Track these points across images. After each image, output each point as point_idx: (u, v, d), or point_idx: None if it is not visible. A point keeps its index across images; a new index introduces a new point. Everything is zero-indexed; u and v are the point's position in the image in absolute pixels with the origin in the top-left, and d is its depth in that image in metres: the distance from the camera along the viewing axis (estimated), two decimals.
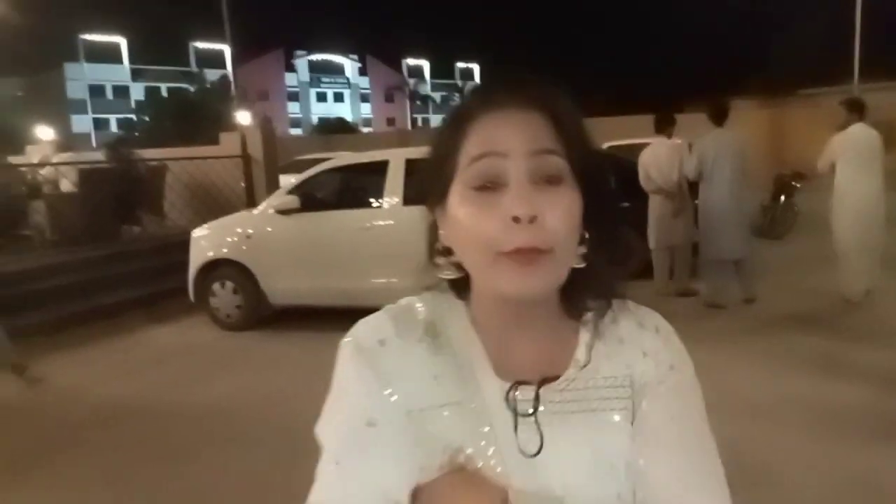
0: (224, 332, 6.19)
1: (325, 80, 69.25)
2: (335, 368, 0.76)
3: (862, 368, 4.34)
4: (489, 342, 0.75)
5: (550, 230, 0.67)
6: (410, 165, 5.78)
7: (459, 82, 67.29)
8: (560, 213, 0.68)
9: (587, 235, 0.73)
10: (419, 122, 67.54)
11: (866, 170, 5.69)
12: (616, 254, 0.77)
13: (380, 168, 5.88)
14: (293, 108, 66.39)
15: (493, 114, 0.71)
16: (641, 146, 10.60)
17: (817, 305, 5.94)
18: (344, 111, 63.39)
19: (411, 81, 66.04)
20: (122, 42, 58.85)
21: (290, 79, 67.03)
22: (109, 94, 57.79)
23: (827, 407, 3.78)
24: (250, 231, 6.16)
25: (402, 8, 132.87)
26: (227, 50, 24.45)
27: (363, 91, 71.32)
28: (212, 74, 33.00)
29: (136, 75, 58.18)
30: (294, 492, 3.09)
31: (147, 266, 7.49)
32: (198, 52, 57.61)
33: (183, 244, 6.54)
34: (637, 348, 0.77)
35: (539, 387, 0.72)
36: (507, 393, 0.72)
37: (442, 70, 74.18)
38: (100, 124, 55.67)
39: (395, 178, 5.76)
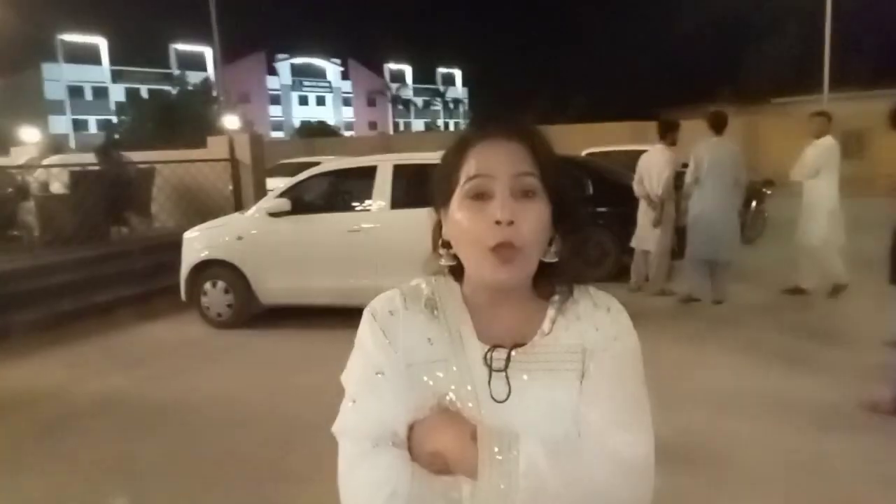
0: (215, 329, 6.38)
1: (307, 83, 69.15)
2: (358, 331, 1.01)
3: (819, 365, 4.66)
4: (475, 315, 0.99)
5: (523, 232, 0.91)
6: (398, 171, 6.02)
7: (441, 87, 67.63)
8: (532, 219, 0.92)
9: (556, 237, 0.97)
10: (401, 127, 67.76)
11: (836, 177, 6.27)
12: (581, 251, 1.03)
13: (368, 173, 6.11)
14: (275, 112, 66.22)
15: (486, 142, 0.96)
16: (618, 153, 10.98)
17: (782, 306, 6.31)
18: (326, 115, 63.32)
19: (393, 86, 66.16)
20: (102, 43, 58.28)
21: (271, 82, 66.86)
22: (88, 96, 57.16)
23: (783, 399, 4.10)
24: (242, 232, 6.36)
25: (384, 13, 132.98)
26: (208, 52, 24.48)
27: (345, 95, 71.34)
28: (193, 77, 32.87)
29: (115, 76, 57.59)
30: (284, 471, 3.46)
31: (138, 266, 7.64)
32: (178, 53, 57.25)
33: (172, 245, 6.71)
34: (590, 323, 0.98)
35: (510, 350, 0.95)
36: (486, 354, 0.95)
37: (424, 75, 74.54)
38: (78, 125, 55.07)
39: (383, 183, 6.00)
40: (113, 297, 7.05)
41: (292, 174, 7.69)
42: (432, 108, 68.18)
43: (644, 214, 6.61)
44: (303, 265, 6.14)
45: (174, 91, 30.18)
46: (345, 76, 71.52)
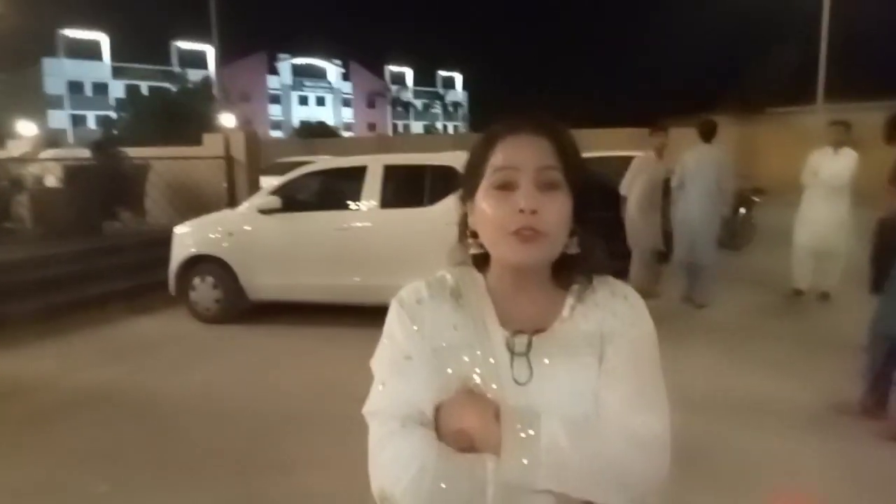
0: (203, 324, 6.43)
1: (307, 83, 69.20)
2: (386, 319, 1.07)
3: (796, 368, 4.74)
4: (498, 303, 1.04)
5: (546, 220, 0.96)
6: (388, 171, 6.09)
7: (441, 90, 67.74)
8: (554, 209, 0.97)
9: (577, 229, 1.02)
10: (400, 129, 67.83)
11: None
12: (598, 244, 1.09)
13: (359, 173, 6.17)
14: (275, 111, 66.24)
15: (513, 136, 1.02)
16: (615, 159, 11.02)
17: (766, 313, 6.39)
18: (326, 115, 63.38)
19: (393, 88, 66.29)
20: (104, 39, 58.30)
21: (272, 81, 66.87)
22: (88, 91, 57.15)
23: (758, 401, 4.17)
24: (232, 229, 6.42)
25: (386, 15, 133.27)
26: (210, 51, 24.56)
27: (345, 96, 71.40)
28: (194, 75, 32.89)
29: (116, 73, 57.57)
30: (268, 462, 3.53)
31: (130, 260, 7.69)
32: (180, 51, 57.28)
33: (164, 241, 6.76)
34: (608, 310, 1.03)
35: (532, 335, 1.01)
36: (508, 339, 1.00)
37: (424, 78, 74.57)
38: (77, 120, 55.06)
39: (373, 183, 6.06)
40: (104, 290, 7.10)
41: (287, 173, 7.75)
42: (432, 110, 68.31)
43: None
44: (292, 262, 6.20)
45: (175, 89, 30.24)
46: (345, 77, 71.59)
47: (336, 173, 6.85)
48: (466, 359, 1.00)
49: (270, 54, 67.07)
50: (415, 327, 1.03)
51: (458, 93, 75.43)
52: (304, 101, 68.89)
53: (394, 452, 0.95)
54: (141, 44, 61.12)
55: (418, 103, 67.77)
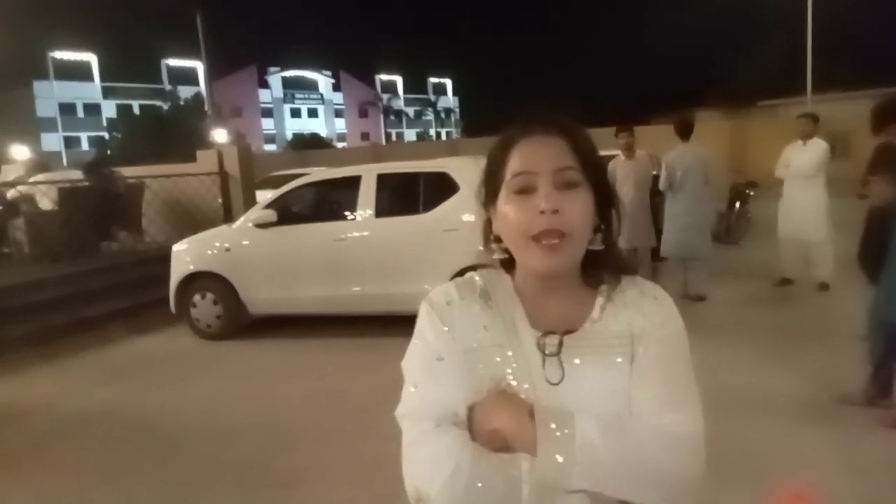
0: (205, 340, 6.43)
1: (298, 95, 69.34)
2: (417, 321, 1.07)
3: (796, 360, 4.74)
4: (527, 304, 1.04)
5: (569, 219, 0.96)
6: (382, 180, 6.11)
7: (432, 97, 67.86)
8: (576, 208, 0.97)
9: (602, 227, 1.03)
10: (393, 137, 67.89)
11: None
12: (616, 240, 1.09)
13: (353, 183, 6.18)
14: (267, 125, 66.34)
15: (528, 139, 1.02)
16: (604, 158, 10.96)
17: (764, 303, 6.42)
18: (318, 127, 63.49)
19: (385, 97, 66.37)
20: (93, 59, 58.37)
21: (263, 95, 67.00)
22: (80, 112, 57.18)
23: (761, 393, 4.18)
24: (229, 244, 6.42)
25: (374, 25, 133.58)
26: (200, 67, 24.60)
27: (337, 106, 71.55)
28: (185, 91, 32.96)
29: (107, 93, 57.65)
30: (270, 478, 3.52)
31: (128, 280, 7.68)
32: (170, 69, 57.36)
33: (162, 259, 6.77)
34: (638, 310, 1.03)
35: (562, 336, 1.01)
36: (539, 340, 1.01)
37: (415, 85, 74.79)
38: (70, 142, 55.07)
39: (367, 192, 6.08)
40: (103, 311, 7.09)
41: (282, 186, 7.77)
42: (424, 117, 68.44)
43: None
44: (290, 275, 6.20)
45: (166, 106, 30.32)
46: (336, 88, 71.74)
47: (330, 184, 6.87)
48: (498, 359, 1.01)
49: (260, 68, 67.29)
50: (445, 328, 1.03)
51: (450, 99, 75.59)
52: (296, 113, 69.01)
53: (428, 453, 0.95)
54: (131, 63, 61.14)
55: (410, 111, 67.88)
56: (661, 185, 6.59)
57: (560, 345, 1.00)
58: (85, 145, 52.08)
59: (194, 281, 6.48)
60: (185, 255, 6.57)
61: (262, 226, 6.26)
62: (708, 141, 11.18)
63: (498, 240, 1.07)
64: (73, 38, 57.79)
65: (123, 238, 9.11)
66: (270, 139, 63.41)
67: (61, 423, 4.49)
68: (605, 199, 1.03)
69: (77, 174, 9.27)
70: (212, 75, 21.02)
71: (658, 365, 1.00)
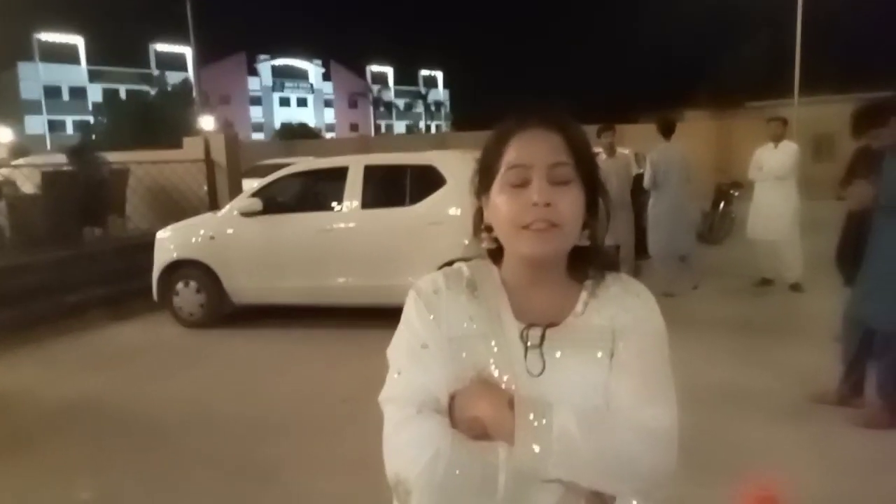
0: (187, 329, 6.41)
1: (288, 84, 68.87)
2: (404, 309, 1.08)
3: (771, 359, 4.82)
4: (513, 296, 1.06)
5: (560, 212, 0.98)
6: (369, 172, 6.10)
7: (423, 89, 67.64)
8: (567, 202, 0.99)
9: (590, 223, 1.05)
10: (382, 129, 67.69)
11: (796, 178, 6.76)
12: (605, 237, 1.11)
13: (340, 174, 6.18)
14: (256, 113, 65.88)
15: (525, 133, 1.03)
16: None
17: (742, 305, 6.50)
18: (307, 116, 63.11)
19: (375, 88, 66.11)
20: (80, 42, 57.61)
21: (252, 83, 66.50)
22: (65, 96, 56.45)
23: (736, 391, 4.24)
24: (214, 232, 6.39)
25: (366, 14, 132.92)
26: (189, 53, 24.40)
27: (327, 97, 71.14)
28: (172, 77, 32.62)
29: (93, 77, 56.94)
30: (252, 469, 3.51)
31: (110, 267, 7.62)
32: (158, 54, 56.74)
33: (145, 246, 6.73)
34: (620, 306, 1.05)
35: (545, 329, 1.03)
36: (522, 332, 1.03)
37: (405, 77, 74.46)
38: (55, 126, 54.34)
39: (354, 183, 6.07)
40: (85, 297, 7.03)
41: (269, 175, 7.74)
42: (414, 110, 68.25)
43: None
44: (274, 265, 6.19)
45: (153, 92, 29.98)
46: (326, 78, 71.35)
47: (317, 174, 6.85)
48: (481, 349, 1.02)
49: (250, 56, 66.77)
50: (431, 316, 1.05)
51: (440, 92, 75.43)
52: (285, 102, 68.57)
53: (409, 437, 0.97)
54: (118, 47, 60.39)
55: (400, 103, 67.72)
56: (646, 183, 6.68)
57: (542, 337, 1.02)
58: (70, 129, 51.40)
59: (177, 269, 6.45)
60: (169, 243, 6.54)
61: (247, 214, 6.24)
62: (695, 141, 11.27)
63: (488, 229, 1.08)
64: (59, 20, 57.05)
65: (108, 223, 9.02)
66: (259, 128, 62.96)
67: (43, 412, 4.46)
68: (595, 196, 1.05)
69: (60, 158, 9.16)
70: (200, 61, 20.85)
71: (637, 360, 1.02)
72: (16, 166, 8.63)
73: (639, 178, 7.04)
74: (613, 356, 1.02)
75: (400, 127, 69.12)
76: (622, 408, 0.98)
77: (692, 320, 5.91)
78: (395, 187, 6.13)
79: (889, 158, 3.53)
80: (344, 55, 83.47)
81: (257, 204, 6.23)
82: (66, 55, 56.72)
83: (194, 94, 24.23)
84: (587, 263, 1.08)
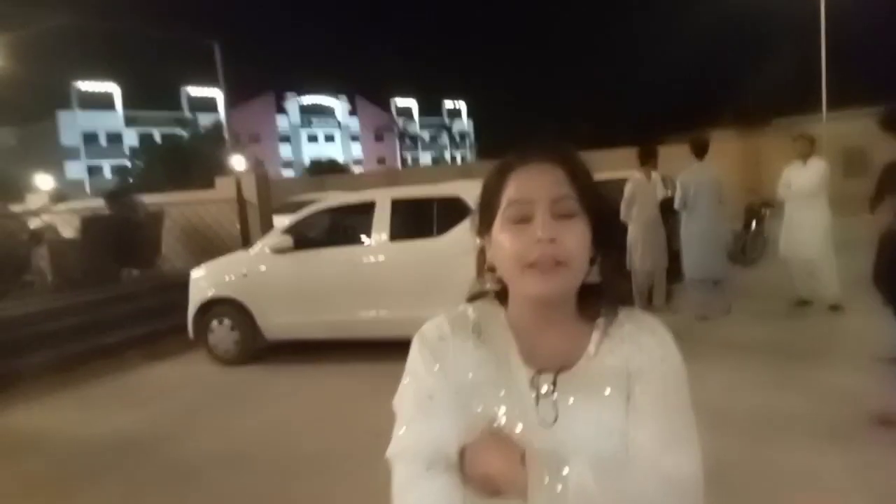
0: (222, 366, 6.49)
1: (315, 121, 70.15)
2: (408, 357, 1.04)
3: (807, 383, 4.67)
4: (521, 338, 1.01)
5: (566, 248, 0.93)
6: (396, 205, 6.18)
7: (447, 121, 68.32)
8: (573, 237, 0.94)
9: (598, 258, 1.00)
10: (409, 161, 68.35)
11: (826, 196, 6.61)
12: (621, 271, 1.08)
13: (368, 208, 6.26)
14: (285, 150, 67.12)
15: (526, 167, 1.00)
16: (621, 181, 11.06)
17: (780, 326, 6.34)
18: (335, 152, 64.14)
19: (400, 121, 66.98)
20: (116, 89, 59.66)
21: (281, 121, 67.91)
22: (103, 141, 58.31)
23: (781, 415, 4.12)
24: (246, 270, 6.50)
25: (389, 50, 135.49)
26: (219, 95, 25.09)
27: (353, 131, 72.26)
28: (204, 119, 33.51)
29: (129, 122, 58.77)
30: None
31: (147, 306, 7.80)
32: (190, 98, 58.44)
33: (181, 285, 6.87)
34: (635, 345, 0.99)
35: (556, 374, 0.97)
36: (532, 378, 0.98)
37: (430, 109, 75.31)
38: (93, 171, 56.09)
39: (382, 217, 6.14)
40: (122, 338, 7.20)
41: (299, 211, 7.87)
42: (439, 141, 68.88)
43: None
44: (306, 300, 6.26)
45: (186, 134, 30.82)
46: (352, 113, 72.50)
47: (346, 209, 6.94)
48: (491, 399, 0.98)
49: (278, 94, 68.27)
50: (437, 366, 1.00)
51: (464, 122, 76.07)
52: (313, 138, 69.78)
53: (418, 498, 0.93)
54: (152, 92, 62.36)
55: (425, 135, 68.40)
56: (676, 204, 6.60)
57: (554, 384, 0.97)
58: (108, 173, 52.98)
59: (212, 307, 6.56)
60: (203, 282, 6.66)
61: (278, 251, 6.34)
62: (722, 160, 11.12)
63: (492, 269, 1.04)
64: (96, 69, 59.06)
65: (144, 265, 9.24)
66: (288, 164, 64.09)
67: (79, 452, 4.54)
68: (602, 228, 1.00)
69: (99, 202, 9.46)
70: (230, 103, 21.44)
71: (656, 404, 0.97)
72: (56, 212, 8.92)
73: (667, 201, 6.96)
74: (630, 399, 0.97)
75: (426, 158, 69.70)
76: (643, 455, 0.94)
77: (729, 344, 5.81)
78: (422, 219, 6.18)
79: None
80: (369, 91, 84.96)
81: (288, 241, 6.33)
82: (102, 102, 58.70)
83: (225, 134, 24.89)
84: (598, 300, 1.03)
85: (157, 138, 37.37)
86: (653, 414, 0.96)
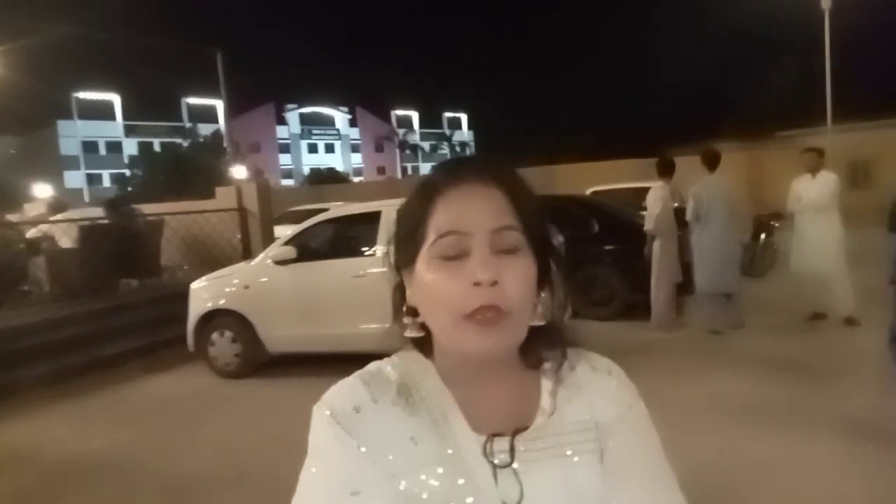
0: (222, 379, 6.33)
1: (315, 131, 70.36)
2: (310, 436, 0.80)
3: (829, 400, 4.54)
4: (461, 398, 0.81)
5: (509, 293, 0.74)
6: None
7: (447, 131, 68.51)
8: (517, 278, 0.76)
9: (542, 295, 0.82)
10: (409, 171, 68.45)
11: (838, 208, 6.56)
12: (564, 311, 0.86)
13: (372, 218, 6.12)
14: (285, 160, 67.24)
15: (458, 188, 0.79)
16: (623, 190, 11.05)
17: (793, 340, 6.21)
18: (335, 161, 64.24)
19: (400, 131, 67.14)
20: (116, 99, 59.81)
21: (281, 131, 68.08)
22: (102, 150, 58.41)
23: (801, 429, 3.98)
24: (248, 281, 6.37)
25: (390, 60, 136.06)
26: (220, 105, 25.09)
27: (353, 141, 72.43)
28: (204, 128, 33.52)
29: (129, 131, 58.91)
30: None
31: (146, 317, 7.65)
32: (190, 107, 58.56)
33: (180, 296, 6.73)
34: (595, 392, 0.84)
35: (513, 438, 0.79)
36: (485, 446, 0.78)
37: (430, 120, 75.65)
38: (93, 180, 56.15)
39: (387, 228, 6.03)
40: (120, 349, 7.04)
41: (300, 221, 7.75)
42: (439, 151, 69.03)
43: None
44: (308, 312, 6.12)
45: (186, 144, 30.83)
46: (353, 123, 72.74)
47: (349, 220, 6.83)
48: (435, 483, 0.76)
49: (278, 105, 68.51)
50: (357, 445, 0.77)
51: (465, 132, 76.30)
52: (313, 148, 69.94)
53: None
54: (152, 102, 62.62)
55: (426, 145, 68.56)
56: (688, 216, 6.53)
57: (512, 450, 0.78)
58: (107, 182, 52.98)
59: (212, 319, 6.42)
60: (204, 293, 6.52)
61: (281, 262, 6.21)
62: (727, 172, 11.03)
63: (413, 313, 0.82)
64: (96, 78, 59.34)
65: (143, 276, 9.11)
66: (288, 174, 64.17)
67: (75, 466, 4.39)
68: (547, 263, 0.82)
69: (98, 212, 9.34)
70: (230, 113, 21.40)
71: (634, 462, 0.81)
72: (54, 221, 8.79)
73: (678, 212, 6.90)
74: (605, 457, 0.81)
75: (426, 168, 69.74)
76: None
77: (743, 359, 5.68)
78: None
79: None
80: (369, 101, 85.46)
81: (291, 252, 6.20)
82: (102, 111, 58.88)
83: (225, 144, 24.86)
84: (541, 344, 0.84)
85: (157, 148, 37.33)
86: (632, 475, 0.80)
